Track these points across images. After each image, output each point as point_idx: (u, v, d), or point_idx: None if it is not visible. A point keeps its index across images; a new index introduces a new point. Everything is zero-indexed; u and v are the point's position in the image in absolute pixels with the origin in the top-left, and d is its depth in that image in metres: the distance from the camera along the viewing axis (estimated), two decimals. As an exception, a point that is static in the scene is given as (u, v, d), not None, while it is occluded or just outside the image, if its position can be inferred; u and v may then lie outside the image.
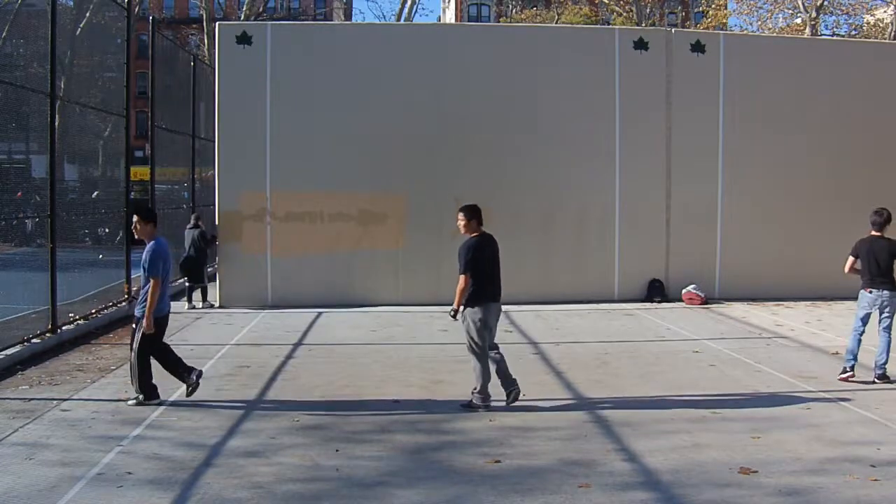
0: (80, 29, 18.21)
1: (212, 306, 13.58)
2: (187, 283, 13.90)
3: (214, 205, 14.10)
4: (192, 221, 14.09)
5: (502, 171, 13.99)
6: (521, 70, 14.31)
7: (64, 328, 10.46)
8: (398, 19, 32.92)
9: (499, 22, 45.11)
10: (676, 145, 14.56)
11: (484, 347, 7.26)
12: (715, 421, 6.85)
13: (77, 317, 11.08)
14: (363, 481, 5.44)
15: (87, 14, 18.20)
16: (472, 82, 14.15)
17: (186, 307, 13.56)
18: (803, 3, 29.54)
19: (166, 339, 10.61)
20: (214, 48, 15.23)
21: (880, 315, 8.38)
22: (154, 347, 7.36)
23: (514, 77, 14.27)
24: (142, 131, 20.36)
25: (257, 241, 13.85)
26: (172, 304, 14.14)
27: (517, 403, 7.27)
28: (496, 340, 7.53)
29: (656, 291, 14.33)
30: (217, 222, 13.94)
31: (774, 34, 28.30)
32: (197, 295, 13.79)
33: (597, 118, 14.43)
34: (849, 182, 14.88)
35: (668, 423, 6.79)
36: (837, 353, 9.74)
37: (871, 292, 8.36)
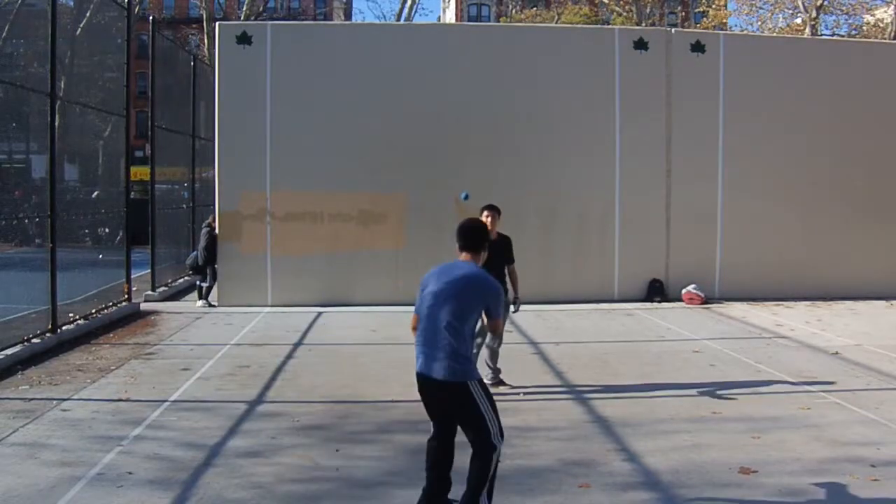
0: (80, 29, 18.24)
1: (212, 306, 13.59)
2: (199, 282, 14.10)
3: (214, 205, 14.11)
4: (207, 220, 14.37)
5: (502, 171, 13.97)
6: (521, 70, 14.30)
7: (64, 328, 10.46)
8: (398, 19, 32.96)
9: (499, 22, 45.11)
10: (676, 145, 14.56)
11: None
12: (715, 421, 6.85)
13: (77, 317, 11.08)
14: (363, 481, 5.44)
15: (87, 14, 18.22)
16: (472, 82, 14.14)
17: (199, 304, 13.65)
18: (803, 3, 29.56)
19: (167, 341, 10.68)
20: (214, 48, 15.23)
21: None
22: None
23: (513, 77, 14.26)
24: (142, 131, 20.38)
25: (257, 241, 13.85)
26: (179, 302, 14.46)
27: (517, 404, 7.29)
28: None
29: (656, 291, 14.33)
30: (217, 222, 13.95)
31: (774, 34, 28.30)
32: (204, 292, 13.92)
33: (597, 118, 14.43)
34: (849, 182, 14.89)
35: (668, 423, 6.79)
36: (837, 353, 9.75)
37: None
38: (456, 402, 4.62)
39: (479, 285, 4.73)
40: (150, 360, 9.33)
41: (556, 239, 14.30)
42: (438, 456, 4.80)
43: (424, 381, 4.68)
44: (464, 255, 4.92)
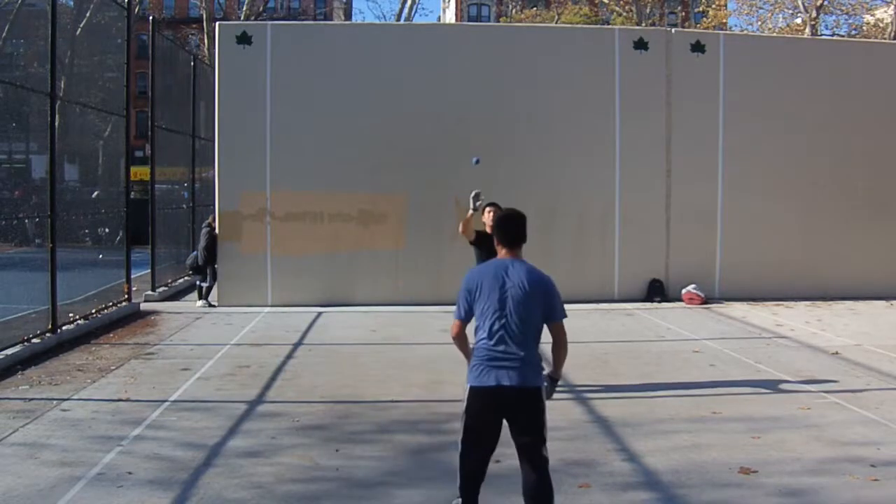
0: (80, 29, 18.24)
1: (212, 306, 13.59)
2: (199, 282, 14.11)
3: (214, 205, 14.12)
4: (207, 220, 14.38)
5: (502, 171, 13.94)
6: (521, 70, 14.30)
7: (64, 328, 10.46)
8: (398, 19, 32.95)
9: (499, 22, 45.11)
10: (676, 145, 14.56)
11: None
12: (715, 421, 6.85)
13: (77, 317, 11.08)
14: (363, 481, 5.44)
15: (87, 14, 18.22)
16: (472, 82, 14.14)
17: (199, 304, 13.66)
18: (803, 3, 29.55)
19: (167, 341, 10.68)
20: (214, 48, 15.22)
21: None
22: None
23: (513, 77, 14.26)
24: (142, 131, 20.39)
25: (257, 241, 13.85)
26: (179, 302, 14.46)
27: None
28: None
29: (656, 291, 14.33)
30: (217, 222, 13.95)
31: (774, 34, 28.30)
32: (204, 292, 13.92)
33: (597, 118, 14.43)
34: (849, 182, 14.89)
35: (668, 423, 6.79)
36: (837, 353, 9.76)
37: None
38: (526, 409, 4.27)
39: (541, 284, 4.32)
40: (150, 360, 9.33)
41: (556, 239, 14.28)
42: (481, 469, 4.41)
43: (495, 392, 4.21)
44: (504, 252, 4.46)
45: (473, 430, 4.32)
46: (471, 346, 4.50)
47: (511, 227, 4.52)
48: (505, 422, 4.34)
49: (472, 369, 4.31)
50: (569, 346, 4.46)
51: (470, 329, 4.53)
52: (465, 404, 4.37)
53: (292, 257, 13.81)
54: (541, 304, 4.30)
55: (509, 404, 4.25)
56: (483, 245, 7.61)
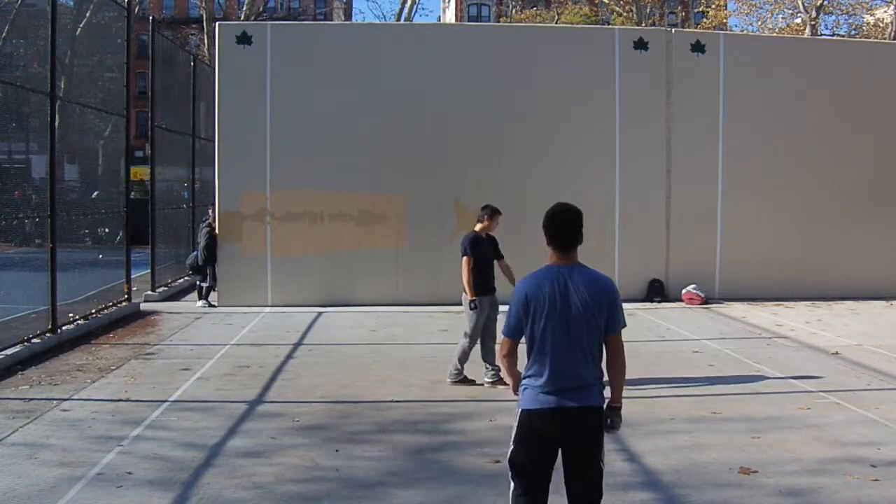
0: (80, 29, 18.24)
1: (212, 306, 13.59)
2: (199, 282, 14.12)
3: (214, 205, 14.11)
4: (206, 220, 14.39)
5: (502, 171, 13.97)
6: (521, 70, 14.30)
7: (64, 328, 10.46)
8: (398, 19, 32.94)
9: (499, 22, 45.12)
10: (676, 145, 14.56)
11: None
12: (715, 421, 6.85)
13: (77, 317, 11.08)
14: (363, 481, 5.44)
15: (87, 14, 18.23)
16: (472, 82, 14.14)
17: (199, 304, 13.65)
18: (803, 3, 29.56)
19: (167, 341, 10.67)
20: (214, 48, 15.22)
21: None
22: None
23: (513, 77, 14.26)
24: (142, 131, 20.38)
25: (257, 241, 13.85)
26: (179, 302, 14.46)
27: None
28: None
29: (656, 291, 14.33)
30: (217, 222, 13.95)
31: (774, 34, 28.31)
32: (204, 292, 13.92)
33: (597, 118, 14.43)
34: (849, 182, 14.89)
35: (668, 423, 6.79)
36: (838, 353, 9.75)
37: None
38: (589, 431, 3.78)
39: (607, 293, 3.72)
40: (150, 360, 9.33)
41: (556, 239, 14.27)
42: None
43: (553, 415, 3.69)
44: (557, 257, 3.77)
45: (525, 462, 3.78)
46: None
47: (565, 227, 3.75)
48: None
49: (527, 392, 3.76)
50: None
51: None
52: (513, 431, 3.80)
53: (292, 257, 13.81)
54: (604, 316, 3.70)
55: (569, 428, 3.72)
56: (480, 251, 7.71)
